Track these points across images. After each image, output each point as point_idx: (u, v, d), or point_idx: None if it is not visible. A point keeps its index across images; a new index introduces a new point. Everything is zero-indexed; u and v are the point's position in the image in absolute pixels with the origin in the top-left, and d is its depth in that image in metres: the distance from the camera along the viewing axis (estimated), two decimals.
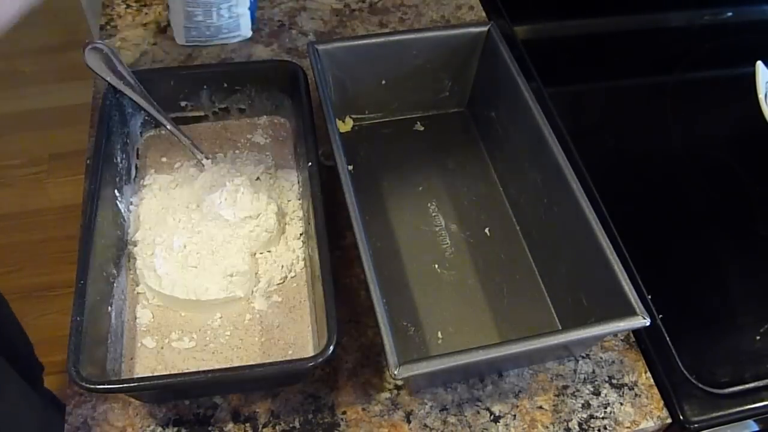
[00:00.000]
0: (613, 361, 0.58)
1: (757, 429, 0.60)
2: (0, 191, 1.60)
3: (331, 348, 0.48)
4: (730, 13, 0.91)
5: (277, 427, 0.53)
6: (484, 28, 0.68)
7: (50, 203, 1.60)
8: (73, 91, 1.69)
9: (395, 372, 0.46)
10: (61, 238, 1.48)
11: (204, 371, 0.50)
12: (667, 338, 0.58)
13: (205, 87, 0.67)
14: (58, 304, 1.35)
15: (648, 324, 0.50)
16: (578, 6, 0.91)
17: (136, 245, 0.60)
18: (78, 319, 0.49)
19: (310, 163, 0.59)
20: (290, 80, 0.67)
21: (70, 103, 1.69)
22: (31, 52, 1.88)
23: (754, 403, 0.56)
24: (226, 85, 0.68)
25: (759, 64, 0.75)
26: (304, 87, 0.65)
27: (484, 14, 0.85)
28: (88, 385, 0.47)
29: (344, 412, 0.54)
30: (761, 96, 0.73)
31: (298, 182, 0.65)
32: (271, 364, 0.52)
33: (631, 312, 0.50)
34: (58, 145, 1.67)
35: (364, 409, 0.54)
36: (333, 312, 0.50)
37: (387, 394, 0.55)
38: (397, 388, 0.56)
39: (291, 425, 0.54)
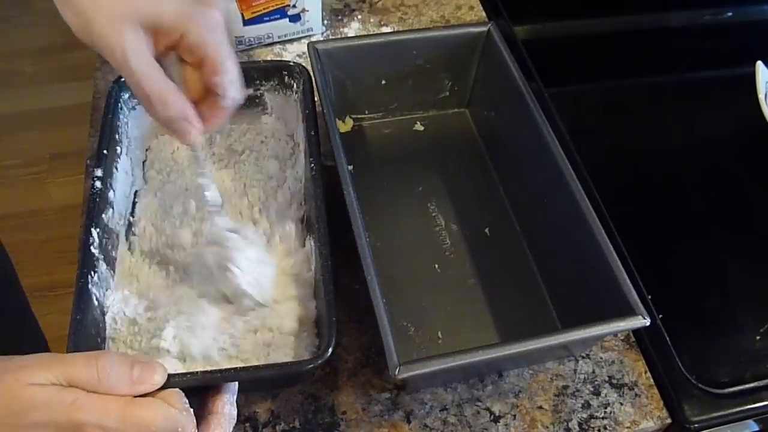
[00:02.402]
0: (613, 361, 0.58)
1: (757, 429, 0.59)
2: (0, 191, 1.61)
3: (331, 349, 0.48)
4: (730, 13, 0.91)
5: (277, 427, 0.53)
6: (484, 28, 0.68)
7: (50, 203, 1.60)
8: (73, 91, 1.69)
9: (395, 372, 0.46)
10: (61, 238, 1.48)
11: (204, 371, 0.50)
12: (667, 338, 0.58)
13: None
14: (58, 304, 1.35)
15: (648, 324, 0.50)
16: (578, 6, 0.91)
17: (135, 247, 0.60)
18: (78, 318, 0.49)
19: (311, 164, 0.59)
20: (291, 80, 0.66)
21: (70, 103, 1.70)
22: (31, 52, 1.89)
23: (754, 403, 0.56)
24: None
25: (759, 64, 0.75)
26: (304, 87, 0.65)
27: (484, 14, 0.85)
28: None
29: (344, 412, 0.54)
30: (761, 96, 0.73)
31: (298, 182, 0.65)
32: (270, 365, 0.52)
33: (631, 312, 0.50)
34: (58, 145, 1.68)
35: (364, 409, 0.54)
36: (333, 312, 0.50)
37: (387, 394, 0.55)
38: (397, 388, 0.56)
39: (291, 425, 0.54)
